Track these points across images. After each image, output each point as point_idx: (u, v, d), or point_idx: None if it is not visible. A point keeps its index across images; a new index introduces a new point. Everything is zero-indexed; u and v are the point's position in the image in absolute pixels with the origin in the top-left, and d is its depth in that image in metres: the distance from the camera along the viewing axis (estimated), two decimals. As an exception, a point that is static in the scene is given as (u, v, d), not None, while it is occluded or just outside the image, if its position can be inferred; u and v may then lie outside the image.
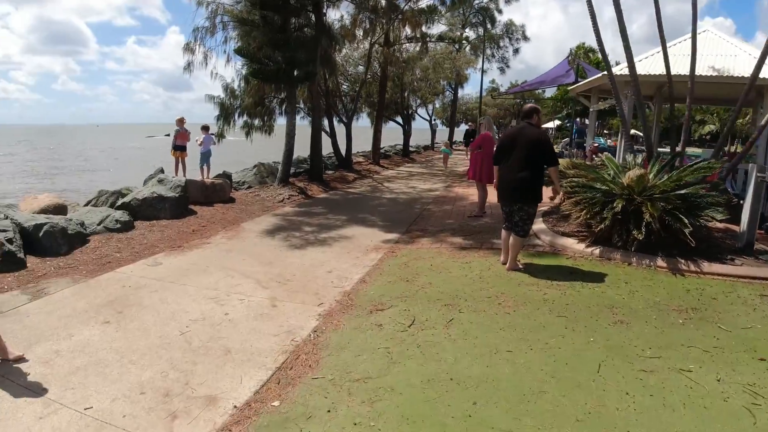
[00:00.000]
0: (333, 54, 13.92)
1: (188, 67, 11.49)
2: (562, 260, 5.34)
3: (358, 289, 4.46)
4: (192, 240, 6.37)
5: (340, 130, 16.33)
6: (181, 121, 9.45)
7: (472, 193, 10.05)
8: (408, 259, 5.48)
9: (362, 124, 17.66)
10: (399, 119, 23.93)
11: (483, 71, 20.82)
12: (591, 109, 13.99)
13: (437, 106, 36.25)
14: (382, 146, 20.04)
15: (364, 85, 17.29)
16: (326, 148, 14.87)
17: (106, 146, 53.87)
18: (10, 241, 4.77)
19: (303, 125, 14.34)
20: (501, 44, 33.00)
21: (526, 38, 34.05)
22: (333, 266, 5.28)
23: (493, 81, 56.84)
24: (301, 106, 14.99)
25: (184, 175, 9.31)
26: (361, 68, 19.10)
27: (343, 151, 16.36)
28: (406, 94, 22.59)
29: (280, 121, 14.55)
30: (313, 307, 4.06)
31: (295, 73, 10.99)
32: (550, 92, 35.57)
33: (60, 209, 6.22)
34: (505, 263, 5.02)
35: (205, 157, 9.67)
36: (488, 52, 30.37)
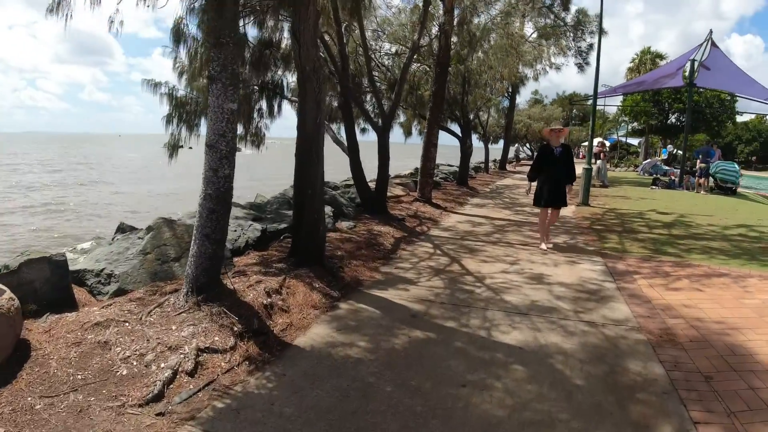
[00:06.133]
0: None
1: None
2: None
3: None
4: None
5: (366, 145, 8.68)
6: None
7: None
8: None
9: (370, 138, 8.74)
10: (456, 129, 15.94)
11: (597, 60, 12.47)
12: None
13: (492, 115, 27.70)
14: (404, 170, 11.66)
15: (418, 54, 9.50)
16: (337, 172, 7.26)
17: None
18: None
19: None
20: (577, 34, 23.74)
21: (603, 32, 23.71)
22: None
23: (536, 92, 46.46)
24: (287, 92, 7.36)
25: None
26: (394, 49, 11.36)
27: (370, 182, 8.57)
28: (467, 92, 14.52)
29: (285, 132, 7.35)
30: None
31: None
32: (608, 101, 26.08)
33: None
34: None
35: None
36: (563, 43, 21.89)
